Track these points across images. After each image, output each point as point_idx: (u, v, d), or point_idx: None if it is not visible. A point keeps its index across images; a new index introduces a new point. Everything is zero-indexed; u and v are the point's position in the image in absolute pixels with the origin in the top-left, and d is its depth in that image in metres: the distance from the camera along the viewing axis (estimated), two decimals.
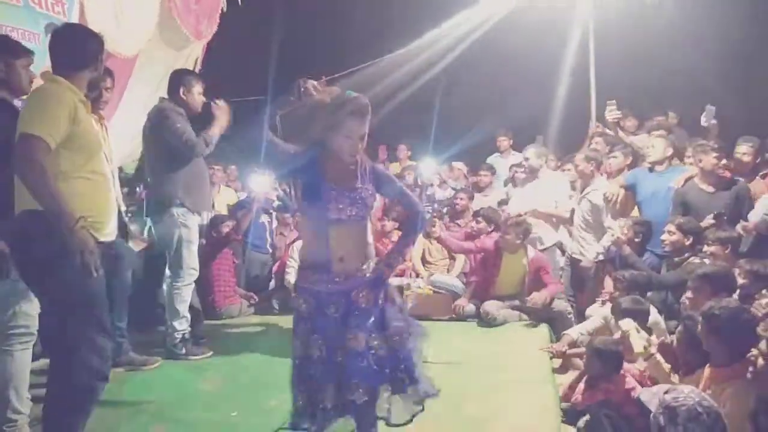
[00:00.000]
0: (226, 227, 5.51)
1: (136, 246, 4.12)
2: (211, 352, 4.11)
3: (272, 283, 6.09)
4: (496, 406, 3.26)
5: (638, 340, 3.09)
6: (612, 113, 5.28)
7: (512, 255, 5.06)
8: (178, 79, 4.10)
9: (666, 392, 2.32)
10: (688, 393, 2.26)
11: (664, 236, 4.18)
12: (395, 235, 6.19)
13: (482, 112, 9.47)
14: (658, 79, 8.61)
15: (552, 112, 8.17)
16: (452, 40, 8.79)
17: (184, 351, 4.04)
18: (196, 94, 4.08)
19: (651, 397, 2.43)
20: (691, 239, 4.09)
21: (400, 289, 5.38)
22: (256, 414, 2.83)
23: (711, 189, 4.38)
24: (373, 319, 2.47)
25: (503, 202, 6.33)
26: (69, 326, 2.47)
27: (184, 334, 4.07)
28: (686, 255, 4.09)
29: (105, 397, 3.31)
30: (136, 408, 3.26)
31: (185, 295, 4.08)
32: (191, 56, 6.41)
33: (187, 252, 4.05)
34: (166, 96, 4.14)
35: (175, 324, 4.05)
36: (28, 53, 2.94)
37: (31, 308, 2.81)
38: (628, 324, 3.19)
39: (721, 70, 8.16)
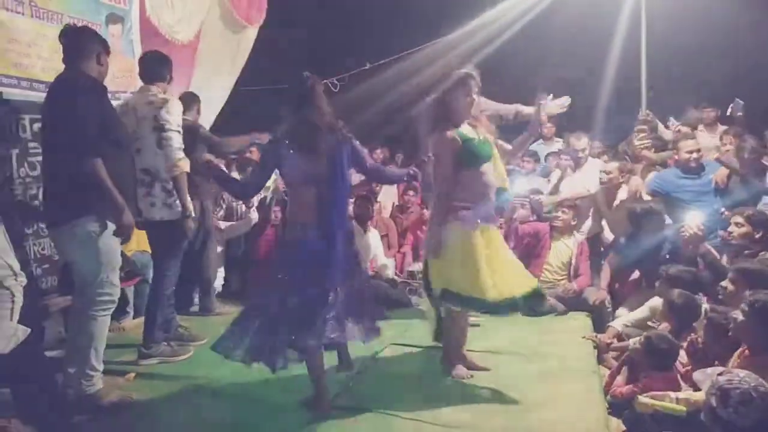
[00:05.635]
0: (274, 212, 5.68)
1: None
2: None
3: None
4: (541, 395, 3.27)
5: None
6: (642, 140, 5.18)
7: (561, 239, 5.13)
8: None
9: (720, 374, 2.30)
10: (743, 377, 2.24)
11: (731, 228, 3.91)
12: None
13: (527, 98, 9.26)
14: (714, 67, 8.25)
15: (600, 98, 7.96)
16: (499, 26, 8.61)
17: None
18: None
19: (704, 377, 2.43)
20: (761, 232, 3.79)
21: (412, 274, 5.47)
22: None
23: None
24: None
25: (536, 192, 6.17)
26: None
27: None
28: (755, 250, 3.75)
29: (163, 371, 3.57)
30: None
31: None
32: (248, 40, 6.57)
33: None
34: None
35: None
36: (109, 49, 3.24)
37: (115, 278, 3.07)
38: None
39: None
